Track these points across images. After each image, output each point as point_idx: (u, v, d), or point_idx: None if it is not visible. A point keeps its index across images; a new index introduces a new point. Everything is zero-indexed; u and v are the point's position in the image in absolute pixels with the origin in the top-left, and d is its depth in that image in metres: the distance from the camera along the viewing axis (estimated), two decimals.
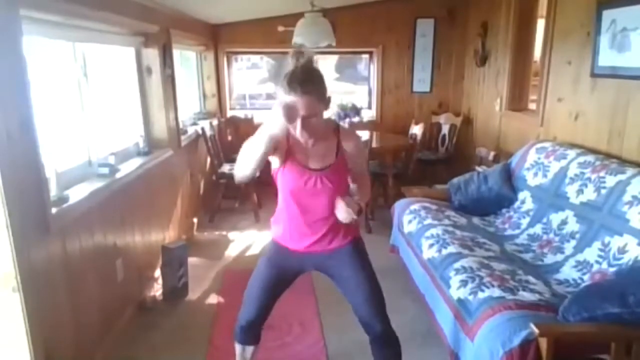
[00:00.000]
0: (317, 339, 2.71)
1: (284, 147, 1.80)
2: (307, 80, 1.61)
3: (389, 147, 4.64)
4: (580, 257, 2.40)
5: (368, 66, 5.91)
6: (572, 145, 3.11)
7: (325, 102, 1.71)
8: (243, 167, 1.74)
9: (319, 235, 1.92)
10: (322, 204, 1.85)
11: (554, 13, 3.52)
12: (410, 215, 3.22)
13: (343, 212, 1.78)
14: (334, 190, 1.83)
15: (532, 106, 4.13)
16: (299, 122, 1.62)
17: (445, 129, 5.46)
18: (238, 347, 2.11)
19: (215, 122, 5.12)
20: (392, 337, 2.00)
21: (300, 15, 4.34)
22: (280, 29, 5.33)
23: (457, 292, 2.26)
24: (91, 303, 2.40)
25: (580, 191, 2.64)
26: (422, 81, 5.67)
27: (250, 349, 2.10)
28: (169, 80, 3.65)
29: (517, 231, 2.96)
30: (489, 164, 4.07)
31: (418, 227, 3.03)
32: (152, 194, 3.30)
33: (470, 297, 2.15)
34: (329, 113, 5.05)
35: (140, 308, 3.00)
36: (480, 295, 2.13)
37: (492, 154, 4.20)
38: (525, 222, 2.98)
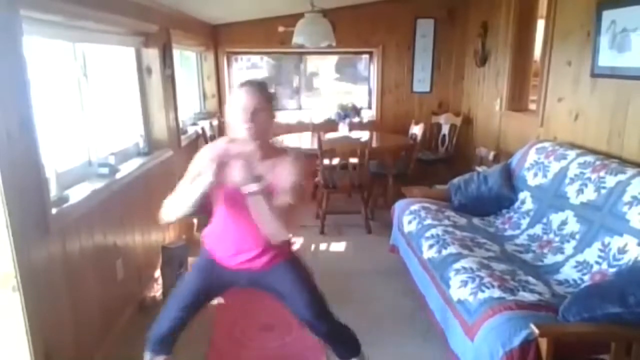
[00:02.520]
0: (317, 339, 2.71)
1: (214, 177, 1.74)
2: (262, 85, 1.87)
3: (389, 147, 4.65)
4: (580, 257, 2.40)
5: (368, 66, 5.91)
6: (572, 146, 3.11)
7: (271, 112, 1.85)
8: (178, 208, 1.85)
9: (253, 254, 1.92)
10: (254, 224, 1.79)
11: (554, 13, 3.52)
12: (411, 216, 3.22)
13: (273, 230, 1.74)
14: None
15: (532, 106, 4.13)
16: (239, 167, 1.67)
17: (445, 129, 5.46)
18: (147, 357, 2.02)
19: (215, 122, 5.12)
20: (341, 330, 2.09)
21: (300, 15, 4.34)
22: (281, 29, 5.33)
23: (457, 292, 2.26)
24: (91, 303, 2.40)
25: (580, 191, 2.64)
26: (422, 81, 5.67)
27: (160, 358, 2.03)
28: (169, 80, 3.65)
29: (517, 231, 2.96)
30: (489, 164, 4.07)
31: (418, 227, 3.03)
32: (152, 194, 3.30)
33: (470, 298, 2.15)
34: (328, 114, 5.07)
35: (140, 308, 3.00)
36: (481, 295, 2.13)
37: (492, 154, 4.20)
38: (525, 222, 2.98)
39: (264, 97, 1.83)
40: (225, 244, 1.95)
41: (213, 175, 1.69)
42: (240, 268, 1.95)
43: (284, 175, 1.83)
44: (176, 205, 1.85)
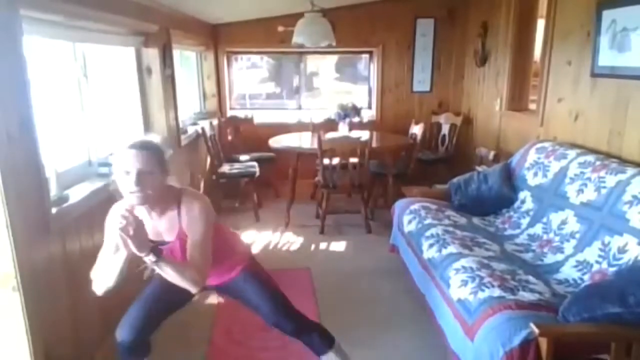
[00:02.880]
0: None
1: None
2: (146, 142, 1.75)
3: (389, 147, 4.64)
4: (580, 257, 2.40)
5: (368, 66, 5.91)
6: (572, 145, 3.11)
7: (164, 168, 1.76)
8: (108, 280, 1.77)
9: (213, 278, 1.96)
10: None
11: (554, 13, 3.52)
12: (410, 215, 3.22)
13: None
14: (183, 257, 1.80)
15: (532, 106, 4.13)
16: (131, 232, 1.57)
17: (445, 129, 5.46)
18: None
19: (215, 122, 5.12)
20: (309, 325, 2.18)
21: (300, 15, 4.34)
22: (280, 29, 5.33)
23: (457, 292, 2.26)
24: (91, 303, 2.39)
25: (580, 191, 2.64)
26: (422, 81, 5.67)
27: None
28: (169, 80, 3.65)
29: (517, 231, 2.96)
30: (489, 163, 4.07)
31: (418, 227, 3.03)
32: None
33: (470, 297, 2.15)
34: (328, 114, 5.06)
35: None
36: (480, 295, 2.13)
37: (492, 153, 4.20)
38: (525, 221, 2.98)
39: (151, 156, 1.71)
40: None
41: (126, 250, 1.64)
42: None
43: (189, 231, 1.80)
44: (105, 279, 1.78)
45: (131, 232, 1.57)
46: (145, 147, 1.72)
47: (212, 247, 1.82)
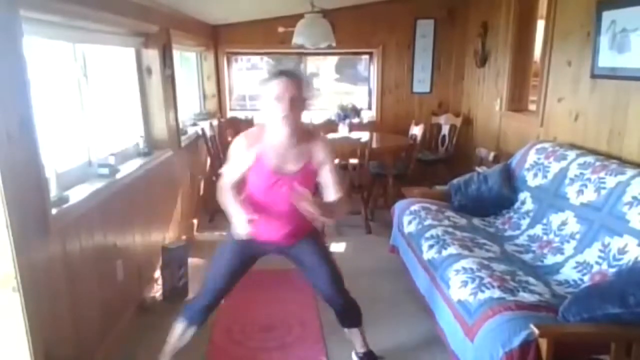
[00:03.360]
0: (317, 339, 2.71)
1: (251, 162, 2.01)
2: (296, 72, 1.97)
3: (389, 148, 4.64)
4: (580, 257, 2.40)
5: (368, 67, 5.92)
6: (572, 146, 3.11)
7: (306, 100, 1.95)
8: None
9: (282, 230, 2.10)
10: (287, 204, 1.98)
11: (554, 13, 3.52)
12: (411, 216, 3.22)
13: (307, 207, 1.85)
14: (291, 196, 1.95)
15: (532, 107, 4.13)
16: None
17: (445, 130, 5.46)
18: (181, 326, 2.22)
19: (215, 122, 5.12)
20: (353, 304, 2.31)
21: (300, 16, 4.34)
22: (281, 29, 5.33)
23: (457, 292, 2.26)
24: (91, 303, 2.40)
25: (580, 192, 2.64)
26: (422, 81, 5.67)
27: (193, 329, 2.23)
28: (169, 81, 3.65)
29: (517, 232, 2.96)
30: (489, 164, 4.07)
31: (418, 228, 3.03)
32: (152, 194, 3.30)
33: (470, 298, 2.15)
34: (328, 115, 5.07)
35: (140, 308, 3.00)
36: (481, 296, 2.13)
37: (492, 154, 4.20)
38: (525, 222, 2.98)
39: (299, 86, 1.91)
40: (260, 224, 2.00)
41: (244, 231, 1.93)
42: (269, 241, 2.13)
43: (320, 158, 2.02)
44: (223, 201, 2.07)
45: (271, 150, 1.94)
46: (296, 76, 1.93)
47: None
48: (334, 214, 1.99)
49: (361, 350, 2.40)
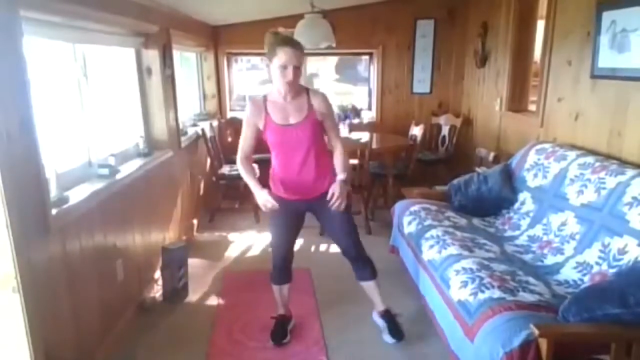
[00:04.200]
0: (317, 339, 2.71)
1: (262, 124, 2.39)
2: (297, 42, 2.34)
3: (389, 148, 4.64)
4: (580, 258, 2.40)
5: (368, 67, 5.92)
6: (572, 146, 3.11)
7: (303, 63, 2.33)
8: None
9: (306, 185, 2.44)
10: (305, 154, 2.37)
11: (554, 13, 3.52)
12: (411, 216, 3.22)
13: (337, 194, 2.36)
14: (312, 139, 2.38)
15: (532, 107, 4.13)
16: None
17: (445, 130, 5.46)
18: (276, 288, 2.71)
19: (215, 123, 5.12)
20: (367, 259, 2.65)
21: (300, 16, 4.34)
22: (281, 30, 5.31)
23: (457, 292, 2.26)
24: (91, 303, 2.40)
25: (580, 192, 2.64)
26: (422, 82, 5.67)
27: (286, 286, 2.72)
28: (169, 81, 3.65)
29: (517, 232, 2.96)
30: (489, 164, 4.07)
31: (418, 228, 3.03)
32: (152, 195, 3.30)
33: (471, 298, 2.15)
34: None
35: (140, 309, 3.00)
36: (480, 296, 2.12)
37: (492, 154, 4.20)
38: (525, 223, 2.98)
39: (302, 54, 2.30)
40: (286, 184, 2.46)
41: (264, 207, 2.40)
42: (300, 199, 2.49)
43: (321, 110, 2.40)
44: (245, 177, 2.48)
45: (277, 110, 2.38)
46: (298, 47, 2.29)
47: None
48: (347, 182, 2.43)
49: (380, 308, 2.71)
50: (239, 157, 2.47)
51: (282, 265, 2.64)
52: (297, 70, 2.28)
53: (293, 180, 2.44)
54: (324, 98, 2.44)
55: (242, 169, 2.47)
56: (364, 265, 2.64)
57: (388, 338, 2.65)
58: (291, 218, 2.56)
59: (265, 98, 2.40)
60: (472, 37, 5.20)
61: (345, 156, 2.49)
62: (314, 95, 2.42)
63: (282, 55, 2.25)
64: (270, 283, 2.71)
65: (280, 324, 2.71)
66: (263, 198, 2.36)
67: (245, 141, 2.45)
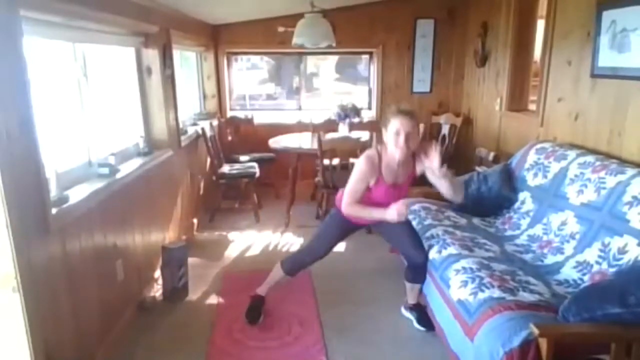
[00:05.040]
0: (317, 339, 2.71)
1: (374, 182, 2.56)
2: (411, 111, 2.48)
3: None
4: (580, 257, 2.40)
5: (368, 67, 5.92)
6: (572, 146, 3.11)
7: (418, 134, 2.48)
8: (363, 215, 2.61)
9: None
10: (392, 202, 2.48)
11: (554, 13, 3.52)
12: (411, 216, 3.21)
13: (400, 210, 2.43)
14: (407, 191, 2.70)
15: (532, 106, 4.13)
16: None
17: (445, 130, 5.46)
18: (281, 274, 2.88)
19: (215, 122, 5.12)
20: (425, 266, 2.72)
21: (300, 15, 4.34)
22: (281, 29, 5.33)
23: (457, 292, 2.26)
24: (91, 303, 2.40)
25: (580, 192, 2.64)
26: (422, 81, 5.67)
27: (288, 278, 2.90)
28: (169, 81, 3.65)
29: (517, 232, 2.96)
30: (489, 164, 4.07)
31: (418, 228, 3.03)
32: (152, 194, 3.30)
33: (470, 298, 2.15)
34: (328, 114, 5.06)
35: (140, 308, 3.00)
36: (480, 295, 2.13)
37: (492, 154, 4.20)
38: (525, 222, 2.98)
39: (415, 123, 2.42)
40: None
41: (403, 217, 2.45)
42: (365, 224, 2.85)
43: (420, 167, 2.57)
44: (363, 214, 2.60)
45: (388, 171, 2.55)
46: (411, 115, 2.43)
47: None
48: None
49: (411, 302, 2.88)
50: (349, 203, 2.58)
51: (310, 264, 2.87)
52: (409, 136, 2.40)
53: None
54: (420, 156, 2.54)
55: (357, 209, 2.57)
56: (420, 271, 2.74)
57: (419, 326, 2.81)
58: (346, 232, 2.83)
59: (380, 158, 2.54)
60: (472, 37, 5.20)
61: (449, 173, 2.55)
62: (418, 160, 2.56)
63: (396, 123, 2.41)
64: (281, 269, 2.86)
65: (258, 305, 2.88)
66: (394, 212, 2.41)
67: (356, 193, 2.56)
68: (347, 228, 2.80)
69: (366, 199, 2.58)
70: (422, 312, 2.81)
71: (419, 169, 2.60)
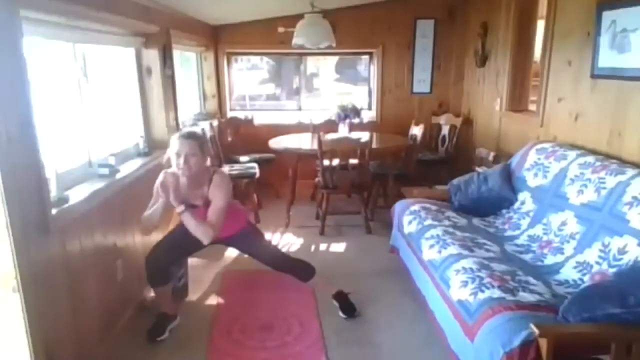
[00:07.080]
0: (316, 339, 2.71)
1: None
2: (192, 133, 2.55)
3: (389, 148, 4.64)
4: (580, 257, 2.40)
5: (368, 67, 5.92)
6: (572, 146, 3.11)
7: (204, 151, 2.52)
8: (152, 221, 2.60)
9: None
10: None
11: (554, 13, 3.52)
12: (410, 216, 3.22)
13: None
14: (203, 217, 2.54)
15: (532, 107, 4.13)
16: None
17: (445, 130, 5.46)
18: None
19: (215, 122, 5.12)
20: (296, 264, 2.93)
21: (300, 16, 4.34)
22: (281, 29, 5.33)
23: (457, 292, 2.26)
24: (91, 303, 2.40)
25: (580, 192, 2.64)
26: (422, 82, 5.67)
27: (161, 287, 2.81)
28: (169, 81, 3.65)
29: (517, 232, 2.96)
30: (489, 164, 4.07)
31: (418, 228, 3.03)
32: (152, 194, 3.29)
33: (471, 298, 2.15)
34: (328, 115, 5.06)
35: (140, 308, 3.00)
36: (480, 295, 2.12)
37: (492, 154, 4.20)
38: (525, 222, 2.98)
39: (195, 144, 2.46)
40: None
41: (165, 201, 2.48)
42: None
43: (213, 198, 2.53)
44: (151, 220, 2.57)
45: (171, 187, 2.43)
46: (194, 137, 2.48)
47: (225, 213, 2.54)
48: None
49: (332, 292, 2.98)
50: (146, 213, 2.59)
51: (156, 265, 2.76)
52: (191, 158, 2.45)
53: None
54: (219, 188, 2.57)
55: (147, 215, 2.58)
56: (300, 269, 2.90)
57: (342, 315, 2.92)
58: (194, 240, 2.61)
59: (177, 178, 2.52)
60: (472, 37, 5.20)
61: (203, 225, 2.52)
62: (214, 182, 2.57)
63: (176, 144, 2.46)
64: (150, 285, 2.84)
65: (162, 321, 2.78)
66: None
67: (151, 204, 2.61)
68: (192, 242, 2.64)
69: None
70: (343, 300, 2.95)
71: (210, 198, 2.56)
